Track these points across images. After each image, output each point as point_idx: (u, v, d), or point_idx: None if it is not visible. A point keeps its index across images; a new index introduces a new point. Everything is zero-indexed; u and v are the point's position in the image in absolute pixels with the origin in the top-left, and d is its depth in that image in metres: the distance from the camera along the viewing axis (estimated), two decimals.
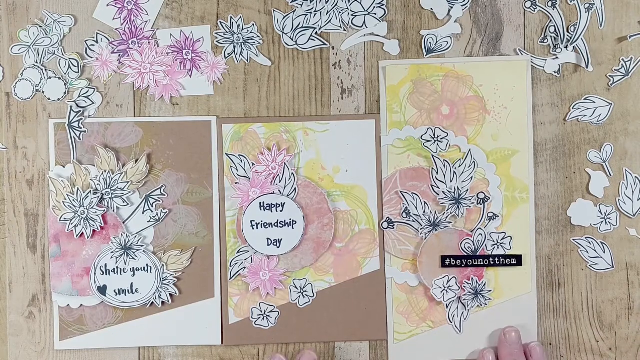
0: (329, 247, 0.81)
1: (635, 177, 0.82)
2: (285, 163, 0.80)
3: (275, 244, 0.80)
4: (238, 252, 0.81)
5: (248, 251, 0.81)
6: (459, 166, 0.81)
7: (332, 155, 0.81)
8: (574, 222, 0.82)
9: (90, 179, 0.80)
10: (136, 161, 0.80)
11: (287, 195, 0.80)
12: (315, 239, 0.81)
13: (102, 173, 0.80)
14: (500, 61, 0.82)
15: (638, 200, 0.82)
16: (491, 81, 0.81)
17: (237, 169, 0.81)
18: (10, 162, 0.81)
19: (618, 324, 0.82)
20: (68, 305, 0.81)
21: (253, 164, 0.81)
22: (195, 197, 0.81)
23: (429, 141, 0.81)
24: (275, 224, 0.80)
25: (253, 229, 0.80)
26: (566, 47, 0.81)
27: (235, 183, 0.81)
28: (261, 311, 0.81)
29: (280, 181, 0.80)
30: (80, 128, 0.81)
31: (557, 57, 0.82)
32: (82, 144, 0.81)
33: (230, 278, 0.81)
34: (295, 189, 0.80)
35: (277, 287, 0.81)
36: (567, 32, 0.81)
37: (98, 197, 0.79)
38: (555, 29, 0.82)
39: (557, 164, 0.82)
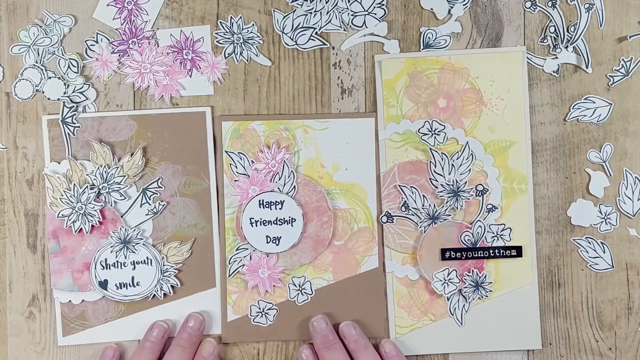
0: (328, 245, 0.81)
1: (635, 177, 0.82)
2: (284, 161, 0.80)
3: (274, 241, 0.80)
4: (237, 249, 0.81)
5: (247, 249, 0.80)
6: (457, 159, 0.81)
7: (331, 153, 0.81)
8: (574, 222, 0.82)
9: (87, 174, 0.80)
10: (132, 155, 0.80)
11: (287, 193, 0.80)
12: (314, 236, 0.81)
13: (98, 168, 0.80)
14: (496, 53, 0.82)
15: (638, 200, 0.82)
16: (487, 73, 0.81)
17: (236, 167, 0.81)
18: (10, 162, 0.81)
19: (618, 323, 0.82)
20: (70, 301, 0.81)
21: (252, 162, 0.81)
22: (193, 188, 0.81)
23: (426, 134, 0.81)
24: (275, 222, 0.80)
25: (252, 226, 0.80)
26: (566, 47, 0.81)
27: (235, 180, 0.81)
28: (260, 309, 0.81)
29: (279, 179, 0.80)
30: (74, 123, 0.81)
31: (556, 57, 0.82)
32: (77, 139, 0.81)
33: (229, 275, 0.81)
34: (294, 186, 0.80)
35: (276, 285, 0.81)
36: (567, 32, 0.81)
37: (95, 192, 0.79)
38: (555, 29, 0.82)
39: (557, 164, 0.82)
